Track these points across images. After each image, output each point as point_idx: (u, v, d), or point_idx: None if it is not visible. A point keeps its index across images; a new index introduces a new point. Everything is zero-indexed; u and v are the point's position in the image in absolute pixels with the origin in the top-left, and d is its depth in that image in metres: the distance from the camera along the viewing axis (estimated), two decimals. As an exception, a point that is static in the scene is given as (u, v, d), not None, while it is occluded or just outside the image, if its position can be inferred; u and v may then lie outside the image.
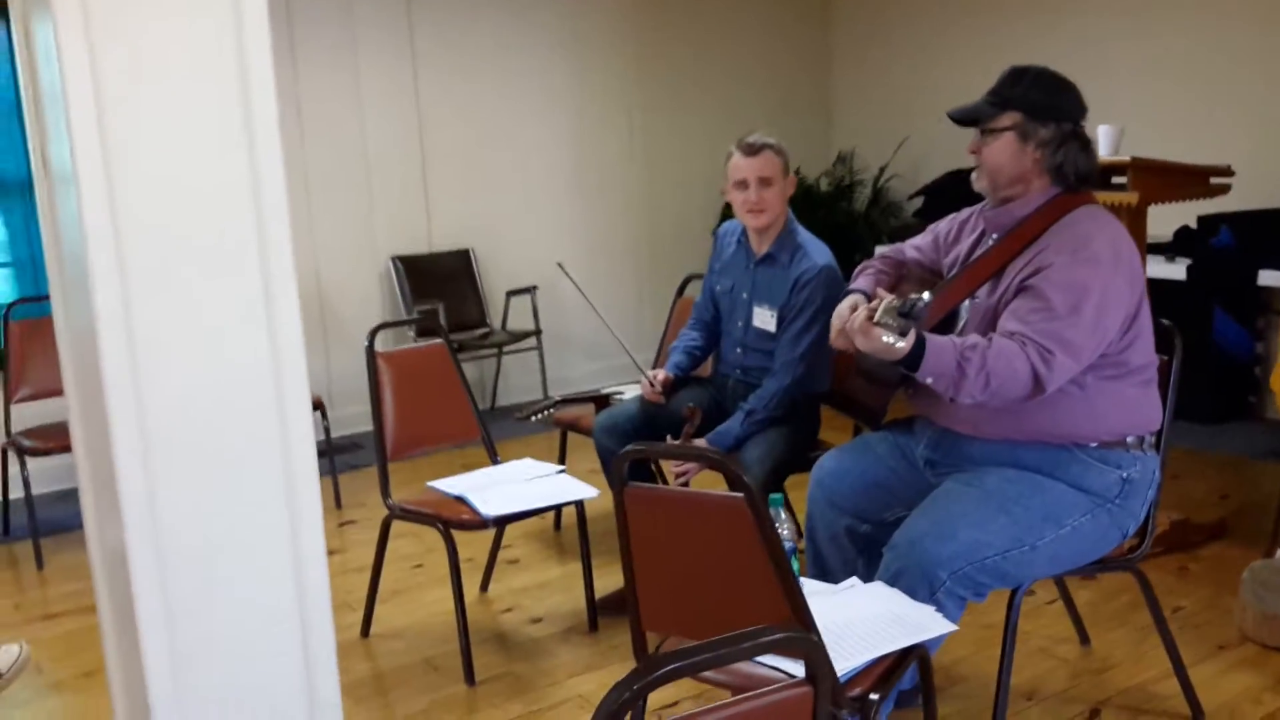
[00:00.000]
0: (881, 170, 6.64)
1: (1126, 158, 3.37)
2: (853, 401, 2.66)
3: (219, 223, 1.47)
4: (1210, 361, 5.03)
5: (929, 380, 2.25)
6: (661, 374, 3.44)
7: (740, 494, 1.77)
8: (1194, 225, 4.89)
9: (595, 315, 3.62)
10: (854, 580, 2.29)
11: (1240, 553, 3.61)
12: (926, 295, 2.10)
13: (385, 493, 3.14)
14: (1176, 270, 4.71)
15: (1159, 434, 2.51)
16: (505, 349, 5.94)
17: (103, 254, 1.40)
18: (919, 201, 6.08)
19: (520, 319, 6.02)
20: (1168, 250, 4.81)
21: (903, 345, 2.17)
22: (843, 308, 2.70)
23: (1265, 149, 4.96)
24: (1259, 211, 4.80)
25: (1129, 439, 2.43)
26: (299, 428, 1.55)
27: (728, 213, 6.87)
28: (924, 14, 6.66)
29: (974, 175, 2.56)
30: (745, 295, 3.36)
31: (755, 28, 6.92)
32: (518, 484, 3.15)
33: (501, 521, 2.98)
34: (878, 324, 2.18)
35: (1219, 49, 5.26)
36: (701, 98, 6.76)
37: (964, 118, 2.52)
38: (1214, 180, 3.67)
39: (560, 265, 3.70)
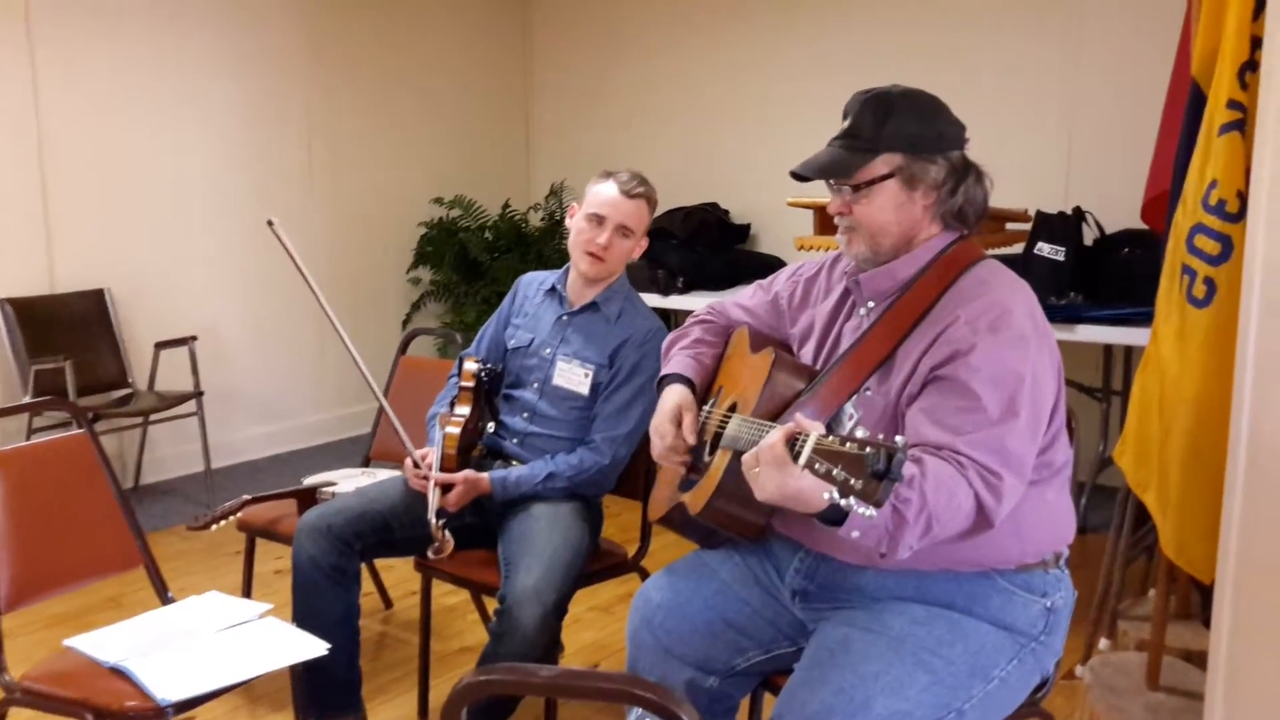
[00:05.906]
0: (593, 206, 6.09)
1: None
2: (702, 527, 1.96)
3: None
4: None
5: (854, 534, 1.57)
6: (429, 452, 2.62)
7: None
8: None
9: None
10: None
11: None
12: (900, 439, 1.35)
13: (-3, 666, 2.12)
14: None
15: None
16: (153, 416, 4.77)
17: None
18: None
19: (174, 378, 4.88)
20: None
21: (868, 513, 1.39)
22: (663, 420, 2.03)
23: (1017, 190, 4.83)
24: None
25: (1047, 556, 1.91)
26: None
27: (425, 250, 6.10)
28: (623, 41, 6.22)
29: (841, 241, 1.95)
30: (549, 351, 2.70)
31: (448, 46, 6.21)
32: (203, 638, 2.20)
33: (187, 706, 2.03)
34: (811, 469, 1.42)
35: (958, 64, 5.11)
36: (388, 118, 5.95)
37: (821, 175, 1.86)
38: (1010, 226, 3.35)
39: (271, 224, 2.69)
